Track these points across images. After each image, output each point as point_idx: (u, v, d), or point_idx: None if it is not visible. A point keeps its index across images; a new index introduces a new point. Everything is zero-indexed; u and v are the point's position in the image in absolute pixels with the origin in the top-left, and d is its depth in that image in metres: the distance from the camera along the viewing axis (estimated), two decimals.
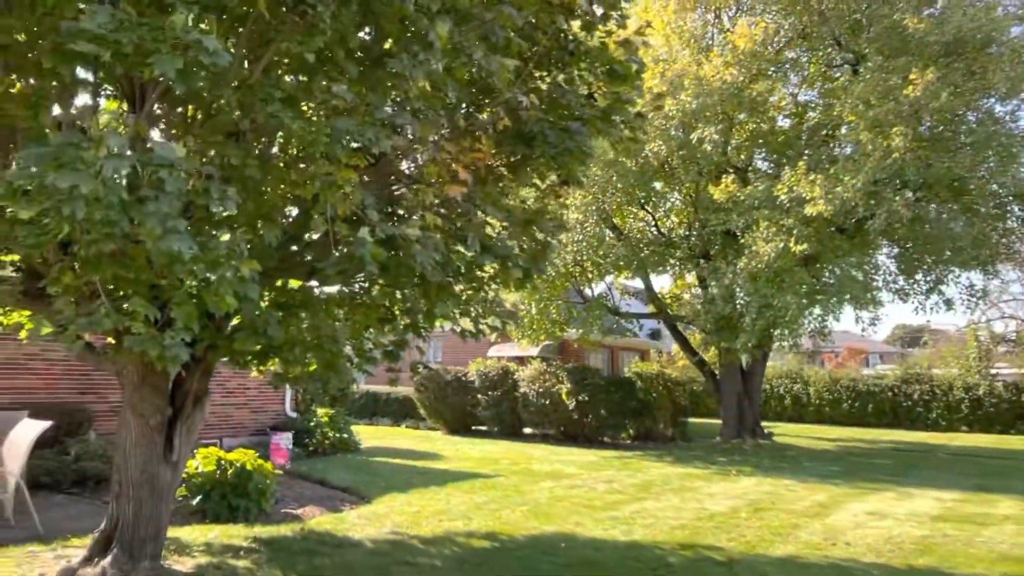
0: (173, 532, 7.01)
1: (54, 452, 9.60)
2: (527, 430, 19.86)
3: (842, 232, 15.84)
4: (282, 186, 4.37)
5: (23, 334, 6.01)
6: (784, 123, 19.44)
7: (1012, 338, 26.59)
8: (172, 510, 6.46)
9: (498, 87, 5.08)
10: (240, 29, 3.81)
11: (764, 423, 21.49)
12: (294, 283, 6.21)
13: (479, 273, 5.58)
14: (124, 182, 3.01)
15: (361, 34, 4.18)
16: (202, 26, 3.12)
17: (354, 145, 4.00)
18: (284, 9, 3.75)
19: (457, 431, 20.36)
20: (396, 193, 5.32)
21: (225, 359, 6.11)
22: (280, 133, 3.78)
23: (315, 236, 6.08)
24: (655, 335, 34.02)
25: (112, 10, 2.98)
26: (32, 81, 3.71)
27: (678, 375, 20.69)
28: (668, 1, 18.55)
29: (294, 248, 5.66)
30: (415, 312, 5.51)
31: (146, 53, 2.95)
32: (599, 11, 6.17)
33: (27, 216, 3.04)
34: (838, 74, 18.36)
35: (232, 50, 3.52)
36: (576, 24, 6.21)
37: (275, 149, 4.57)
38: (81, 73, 4.05)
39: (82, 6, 3.12)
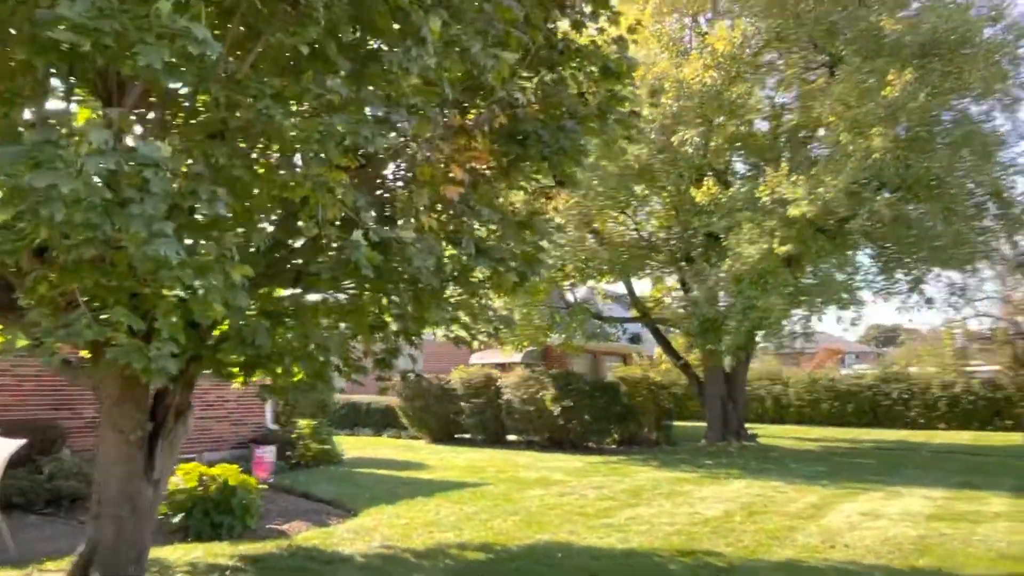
0: (154, 552, 6.71)
1: (26, 471, 9.23)
2: (511, 437, 19.65)
3: (823, 233, 15.89)
4: (270, 188, 4.16)
5: None
6: (762, 126, 19.56)
7: (987, 335, 26.91)
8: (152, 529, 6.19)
9: (492, 85, 4.93)
10: (228, 23, 3.62)
11: (746, 425, 21.50)
12: (280, 290, 6.00)
13: (472, 278, 5.41)
14: (106, 183, 2.80)
15: (352, 30, 3.99)
16: (189, 15, 2.91)
17: (346, 144, 3.81)
18: None
19: (440, 440, 20.10)
20: (387, 195, 5.14)
21: (208, 371, 5.88)
22: (269, 131, 3.58)
23: (300, 242, 5.91)
24: (635, 339, 33.99)
25: None
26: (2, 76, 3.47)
27: (661, 379, 20.66)
28: (645, 5, 18.55)
29: (279, 254, 5.44)
30: (407, 318, 5.32)
31: (129, 43, 2.75)
32: (588, 9, 6.05)
33: (0, 220, 2.82)
34: (814, 77, 18.49)
35: (220, 42, 3.32)
36: (565, 23, 6.08)
37: (261, 149, 4.37)
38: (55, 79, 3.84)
39: None
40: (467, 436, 20.20)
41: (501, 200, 6.37)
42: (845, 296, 15.87)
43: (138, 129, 4.62)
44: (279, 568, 6.59)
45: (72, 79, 3.73)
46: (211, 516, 7.87)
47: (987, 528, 8.47)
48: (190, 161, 3.41)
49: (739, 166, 20.53)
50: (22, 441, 7.43)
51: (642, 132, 14.62)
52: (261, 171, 4.13)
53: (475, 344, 6.12)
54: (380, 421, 22.71)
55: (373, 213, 4.36)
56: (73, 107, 4.24)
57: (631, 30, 6.31)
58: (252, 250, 4.31)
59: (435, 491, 11.22)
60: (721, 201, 15.65)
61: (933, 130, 16.11)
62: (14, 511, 8.55)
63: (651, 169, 17.88)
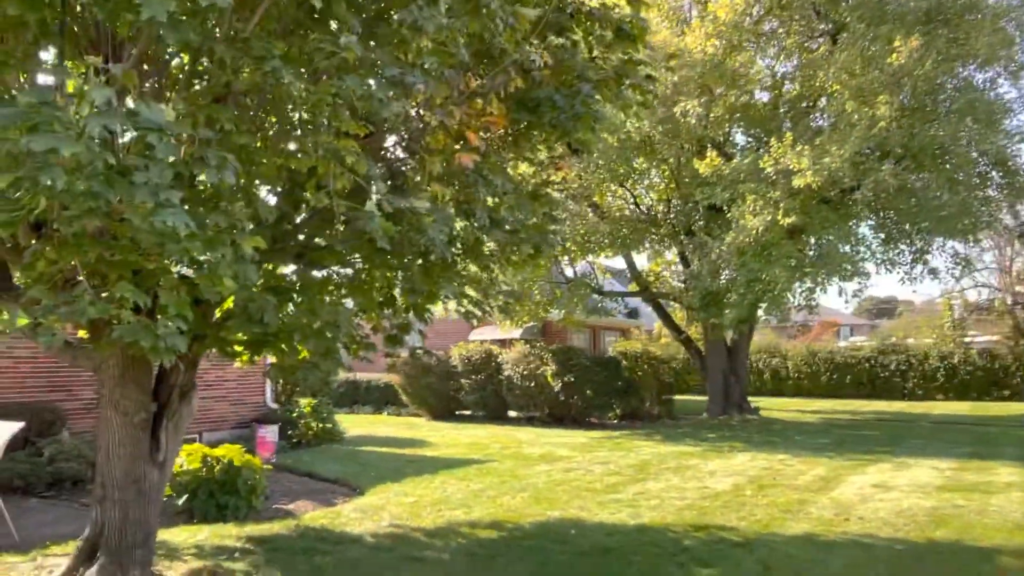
0: (160, 535, 6.57)
1: (26, 454, 9.08)
2: (512, 413, 19.59)
3: (826, 203, 15.71)
4: (277, 157, 3.96)
5: None
6: (762, 97, 19.27)
7: (985, 306, 26.90)
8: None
9: (504, 48, 4.71)
10: None
11: (747, 398, 21.47)
12: (281, 267, 5.81)
13: (486, 249, 5.23)
14: (108, 147, 2.59)
15: None
16: None
17: (359, 108, 3.60)
18: None
19: (441, 417, 20.02)
20: (397, 164, 4.93)
21: (212, 350, 5.70)
22: (278, 95, 3.37)
23: (301, 216, 5.71)
24: (632, 314, 33.89)
25: None
26: None
27: (661, 353, 20.58)
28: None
29: (284, 227, 5.24)
30: (418, 292, 5.14)
31: None
32: None
33: None
34: (816, 45, 18.18)
35: None
36: None
37: (267, 113, 4.15)
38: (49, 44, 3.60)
39: None
40: (468, 413, 20.13)
41: (509, 171, 6.16)
42: (849, 268, 15.72)
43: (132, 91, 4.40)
44: (289, 549, 6.47)
45: (65, 43, 3.50)
46: (216, 497, 7.73)
47: (1000, 499, 8.41)
48: (195, 125, 3.19)
49: (739, 138, 20.30)
50: (20, 424, 7.26)
51: (657, 97, 14.38)
52: (271, 138, 3.91)
53: (487, 318, 5.93)
54: (380, 399, 22.61)
55: (383, 183, 4.16)
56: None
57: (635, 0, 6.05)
58: (257, 224, 4.10)
59: (440, 468, 11.12)
60: (724, 172, 15.43)
61: (937, 98, 15.90)
62: (14, 495, 8.41)
63: (651, 141, 17.65)
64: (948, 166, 15.79)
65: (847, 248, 16.32)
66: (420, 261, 4.84)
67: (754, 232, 14.30)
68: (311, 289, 4.93)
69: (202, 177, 3.92)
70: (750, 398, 21.29)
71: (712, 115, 17.13)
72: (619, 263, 24.68)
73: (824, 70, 15.67)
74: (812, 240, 16.69)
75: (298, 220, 5.63)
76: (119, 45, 3.60)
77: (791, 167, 13.91)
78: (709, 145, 17.10)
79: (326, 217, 4.95)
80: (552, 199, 5.73)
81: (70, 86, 2.76)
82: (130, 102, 2.95)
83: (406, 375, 20.21)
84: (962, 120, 15.46)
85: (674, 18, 17.79)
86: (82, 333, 5.37)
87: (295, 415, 13.87)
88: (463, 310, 5.82)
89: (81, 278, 3.38)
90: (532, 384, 18.30)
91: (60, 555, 6.01)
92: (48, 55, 3.67)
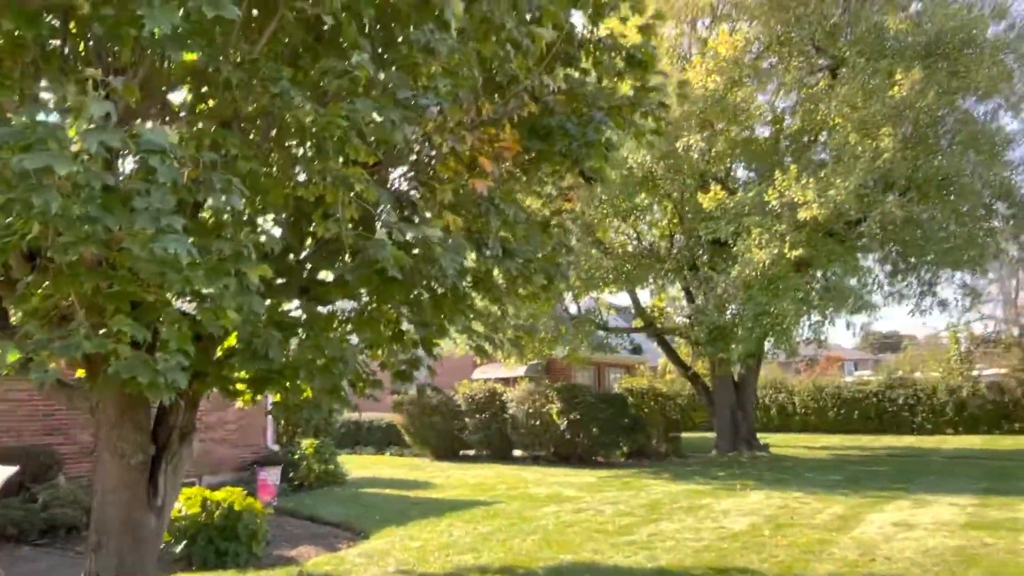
0: None
1: (20, 500, 8.79)
2: (517, 452, 19.22)
3: (832, 236, 15.61)
4: (284, 185, 3.81)
5: None
6: (763, 131, 19.30)
7: (992, 339, 26.64)
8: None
9: (516, 74, 4.60)
10: None
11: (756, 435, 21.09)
12: (285, 303, 5.63)
13: (498, 281, 5.06)
14: (107, 168, 2.44)
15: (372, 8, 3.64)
16: None
17: (370, 133, 3.46)
18: None
19: (445, 457, 19.64)
20: (408, 192, 4.79)
21: (214, 389, 5.49)
22: (286, 118, 3.23)
23: (308, 247, 5.56)
24: (636, 350, 33.63)
25: None
26: None
27: (667, 389, 20.29)
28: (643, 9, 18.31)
29: (288, 260, 5.08)
30: (429, 326, 4.96)
31: (132, 10, 2.40)
32: None
33: None
34: (815, 80, 18.27)
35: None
36: (580, 16, 5.78)
37: (275, 141, 4.01)
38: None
39: None
40: (471, 452, 19.75)
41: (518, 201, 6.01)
42: (856, 301, 15.55)
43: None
44: None
45: (65, 60, 3.37)
46: (216, 543, 7.46)
47: None
48: (198, 148, 3.04)
49: (740, 172, 20.30)
50: (14, 468, 7.02)
51: (670, 124, 14.31)
52: (278, 164, 3.77)
53: (497, 353, 5.74)
54: (382, 439, 22.23)
55: (393, 212, 4.01)
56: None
57: (646, 28, 5.98)
58: (263, 256, 3.94)
59: (446, 510, 10.81)
60: (728, 206, 15.35)
61: (939, 130, 15.93)
62: (7, 543, 8.11)
63: (653, 176, 17.61)
64: (952, 198, 15.73)
65: (854, 281, 16.17)
66: (430, 293, 4.67)
67: (761, 265, 14.16)
68: (317, 324, 4.74)
69: (208, 204, 3.77)
70: (757, 434, 20.94)
71: (714, 150, 17.13)
72: (623, 299, 24.55)
73: (825, 104, 15.71)
74: (819, 273, 16.55)
75: (303, 254, 5.48)
76: (122, 70, 3.48)
77: (796, 200, 13.82)
78: (712, 180, 17.06)
79: (333, 249, 4.79)
80: (565, 228, 5.59)
81: (68, 103, 2.62)
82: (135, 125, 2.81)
83: (409, 414, 19.89)
84: (965, 152, 15.47)
85: (675, 55, 17.91)
86: (80, 372, 5.17)
87: (297, 457, 13.56)
88: (474, 344, 5.63)
89: (77, 311, 3.20)
90: (537, 422, 17.97)
91: None
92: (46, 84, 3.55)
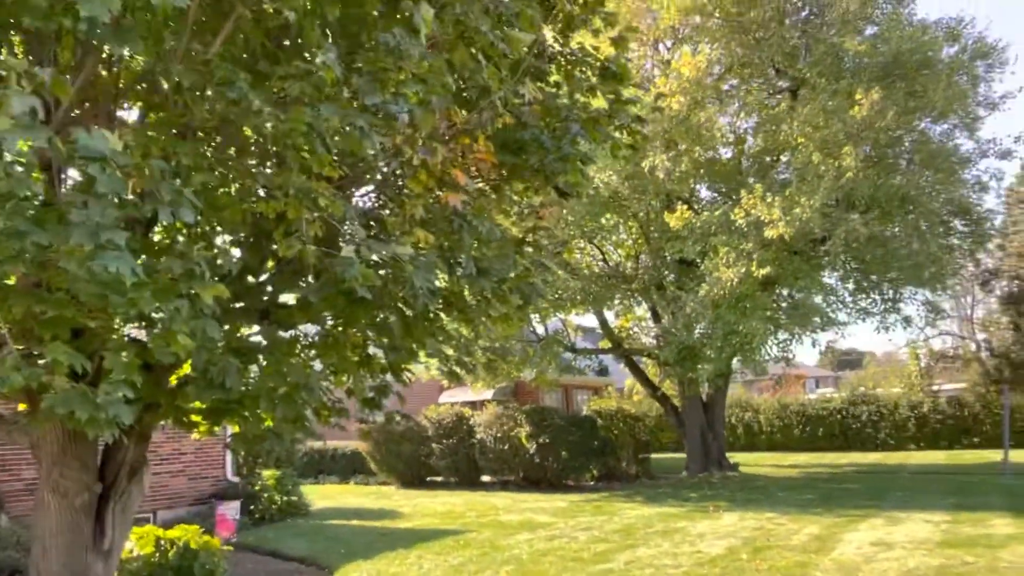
0: None
1: None
2: (485, 478, 18.84)
3: (797, 254, 15.68)
4: (243, 199, 3.53)
5: None
6: (725, 152, 19.45)
7: (951, 355, 27.13)
8: None
9: (488, 85, 4.39)
10: None
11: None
12: (243, 328, 5.30)
13: (470, 301, 4.81)
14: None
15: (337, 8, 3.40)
16: None
17: (336, 142, 3.21)
18: None
19: (411, 484, 19.17)
20: (375, 209, 4.53)
21: (166, 421, 5.13)
22: (244, 126, 2.97)
23: (267, 269, 5.25)
24: (603, 371, 33.53)
25: None
26: None
27: (635, 410, 20.14)
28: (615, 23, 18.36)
29: (250, 281, 4.77)
30: (398, 350, 4.67)
31: None
32: (577, 10, 5.59)
33: None
34: (775, 102, 18.49)
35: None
36: (549, 31, 5.61)
37: (234, 153, 3.72)
38: None
39: None
40: (439, 479, 19.32)
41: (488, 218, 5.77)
42: (821, 319, 15.63)
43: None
44: None
45: None
46: None
47: (1008, 553, 8.03)
48: (144, 159, 2.75)
49: (704, 192, 20.40)
50: None
51: (647, 139, 14.30)
52: (236, 176, 3.49)
53: (470, 377, 5.47)
54: (347, 467, 21.66)
55: (360, 228, 3.74)
56: None
57: (620, 40, 5.84)
58: (220, 278, 3.64)
59: (415, 541, 10.43)
60: (695, 225, 15.34)
61: (898, 149, 16.19)
62: None
63: (619, 197, 17.57)
64: (912, 216, 15.96)
65: (819, 299, 16.27)
66: (399, 315, 4.40)
67: (729, 284, 14.13)
68: (279, 349, 4.43)
69: (159, 222, 3.48)
70: (726, 454, 20.86)
71: (678, 170, 17.17)
72: (589, 320, 24.41)
73: (788, 124, 15.87)
74: (785, 292, 16.62)
75: (263, 276, 5.17)
76: (61, 74, 3.17)
77: (763, 218, 13.86)
78: (677, 200, 17.09)
79: (295, 269, 4.50)
80: (540, 246, 5.38)
81: None
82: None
83: (375, 441, 19.41)
84: (923, 171, 15.73)
85: (638, 76, 17.96)
86: (22, 406, 4.77)
87: (258, 488, 13.05)
88: (446, 369, 5.36)
89: (7, 339, 2.87)
90: (506, 447, 17.65)
91: None
92: None
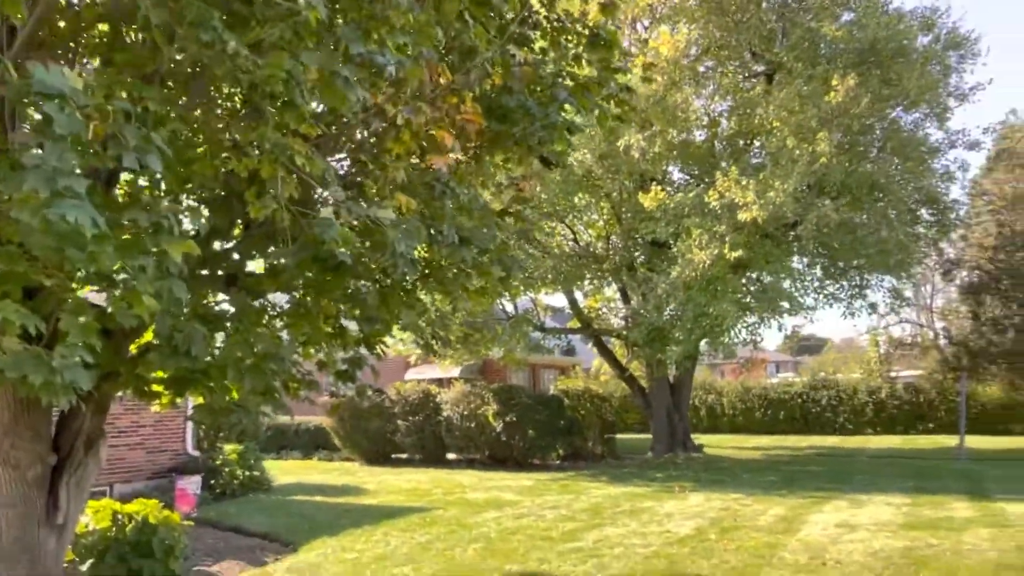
0: None
1: None
2: (451, 456, 18.74)
3: (768, 238, 15.74)
4: (214, 153, 3.29)
5: None
6: (698, 134, 19.41)
7: (910, 342, 27.71)
8: None
9: (475, 45, 4.19)
10: None
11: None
12: (208, 297, 5.05)
13: (453, 271, 4.62)
14: None
15: None
16: None
17: (318, 93, 2.99)
18: None
19: (376, 461, 18.98)
20: (353, 171, 4.31)
21: (126, 391, 4.88)
22: (218, 72, 2.73)
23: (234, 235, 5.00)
24: (570, 351, 33.61)
25: None
26: None
27: (602, 390, 20.19)
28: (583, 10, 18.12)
29: (218, 245, 4.53)
30: (375, 322, 4.48)
31: None
32: None
33: None
34: (749, 86, 18.46)
35: None
36: None
37: (206, 105, 3.46)
38: None
39: None
40: (404, 456, 19.17)
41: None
42: (790, 304, 15.74)
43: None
44: None
45: None
46: (128, 561, 6.75)
47: (970, 536, 8.16)
48: (108, 100, 2.50)
49: (676, 175, 20.37)
50: None
51: (634, 109, 14.16)
52: (207, 126, 3.24)
53: (448, 354, 5.31)
54: (310, 443, 21.41)
55: (339, 189, 3.53)
56: None
57: (609, 6, 5.65)
58: (196, 235, 3.39)
59: (380, 518, 10.28)
60: (669, 207, 15.28)
61: (869, 137, 16.28)
62: None
63: (592, 176, 17.45)
64: (880, 204, 16.10)
65: (787, 284, 16.38)
66: (378, 285, 4.20)
67: (701, 266, 14.12)
68: (247, 318, 4.21)
69: (117, 177, 3.24)
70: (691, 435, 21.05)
71: (652, 151, 17.08)
72: (557, 300, 24.36)
73: (763, 108, 15.84)
74: (755, 275, 16.69)
75: (228, 243, 4.92)
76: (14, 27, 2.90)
77: (736, 201, 13.84)
78: (652, 180, 17.01)
79: (267, 233, 4.27)
80: (523, 218, 5.21)
81: None
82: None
83: (339, 417, 19.15)
84: (893, 159, 15.86)
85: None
86: None
87: (219, 463, 12.75)
88: (422, 342, 5.18)
89: None
90: (473, 425, 17.55)
91: None
92: None
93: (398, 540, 8.82)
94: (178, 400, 4.85)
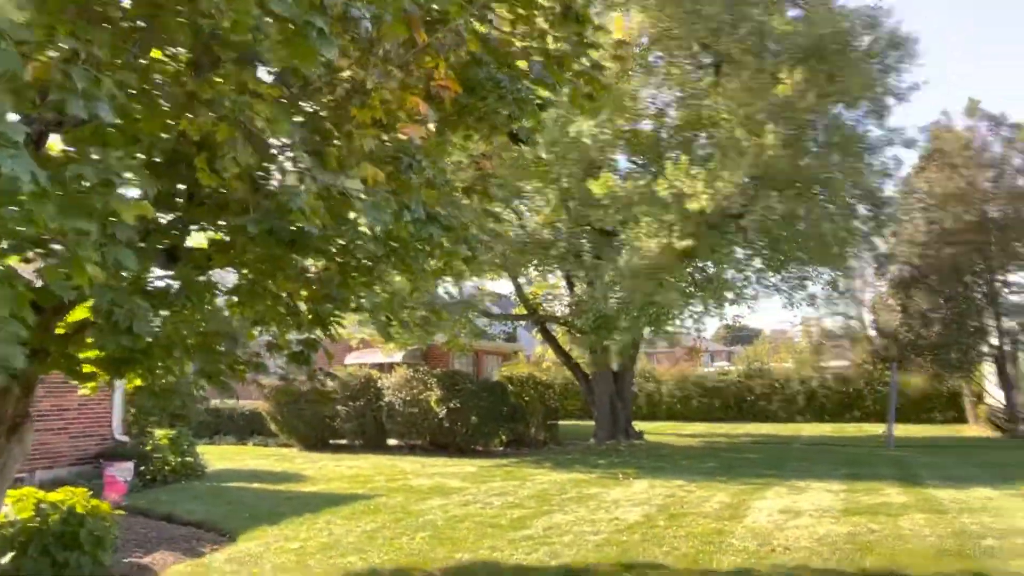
0: None
1: None
2: (392, 442, 18.44)
3: (714, 228, 15.90)
4: (165, 108, 2.98)
5: None
6: (645, 124, 19.46)
7: (841, 334, 28.65)
8: None
9: (448, 11, 3.95)
10: None
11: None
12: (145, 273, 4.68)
13: (417, 249, 4.38)
14: None
15: None
16: None
17: (283, 48, 2.72)
18: None
19: (314, 447, 18.53)
20: (317, 138, 4.02)
21: (56, 371, 4.51)
22: (177, 15, 2.43)
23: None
24: (511, 338, 33.57)
25: None
26: None
27: (545, 377, 20.18)
28: None
29: (162, 215, 4.19)
30: (335, 301, 4.22)
31: None
32: None
33: None
34: (697, 76, 18.58)
35: None
36: None
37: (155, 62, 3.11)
38: None
39: None
40: (343, 442, 18.76)
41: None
42: (734, 293, 15.97)
43: None
44: None
45: None
46: (53, 554, 6.30)
47: (908, 521, 8.38)
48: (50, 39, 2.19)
49: (623, 163, 20.42)
50: None
51: (605, 89, 13.98)
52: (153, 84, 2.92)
53: (405, 336, 5.08)
54: (245, 428, 20.75)
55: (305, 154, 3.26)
56: None
57: None
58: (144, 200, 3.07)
59: (322, 506, 9.97)
60: (618, 194, 15.27)
61: (813, 131, 16.59)
62: None
63: (541, 162, 17.30)
64: (822, 198, 16.45)
65: (732, 273, 16.61)
66: (341, 261, 3.94)
67: (648, 255, 14.16)
68: (197, 293, 3.90)
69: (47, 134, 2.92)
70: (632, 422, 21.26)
71: (602, 138, 17.02)
72: (502, 286, 24.24)
73: (711, 99, 15.96)
74: (700, 265, 16.87)
75: (170, 214, 4.56)
76: None
77: (686, 190, 13.91)
78: (600, 168, 16.97)
79: (220, 203, 3.96)
80: (491, 195, 5.01)
81: None
82: None
83: (276, 401, 18.61)
84: (835, 153, 16.19)
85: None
86: None
87: (150, 448, 12.17)
88: (380, 324, 4.93)
89: None
90: (415, 410, 17.30)
91: None
92: None
93: (342, 529, 8.55)
94: (120, 381, 4.50)
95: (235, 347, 3.81)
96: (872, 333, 25.38)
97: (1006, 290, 21.73)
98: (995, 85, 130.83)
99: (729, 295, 16.08)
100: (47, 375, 4.64)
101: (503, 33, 4.38)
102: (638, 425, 22.01)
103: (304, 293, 4.31)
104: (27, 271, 3.61)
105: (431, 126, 4.67)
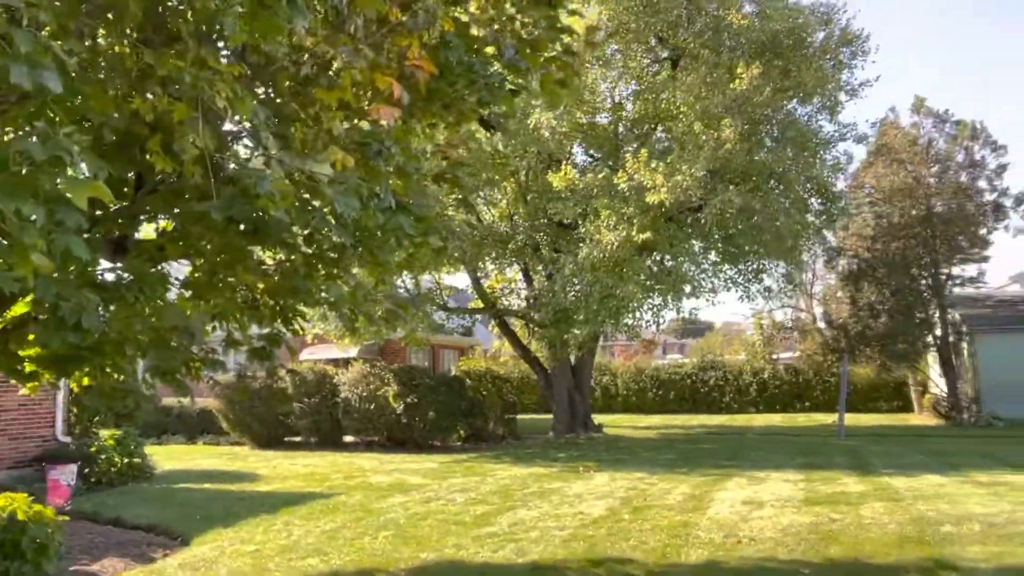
0: None
1: None
2: (348, 438, 18.12)
3: (671, 221, 15.99)
4: (116, 86, 2.75)
5: None
6: (602, 119, 19.46)
7: (791, 326, 29.25)
8: None
9: None
10: None
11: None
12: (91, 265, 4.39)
13: (386, 239, 4.19)
14: None
15: None
16: None
17: (249, 20, 2.51)
18: None
19: (267, 445, 18.10)
20: (277, 120, 3.79)
21: None
22: None
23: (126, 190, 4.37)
24: (468, 332, 33.39)
25: None
26: None
27: (503, 371, 20.10)
28: None
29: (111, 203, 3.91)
30: (300, 294, 4.01)
31: None
32: None
33: None
34: (655, 70, 18.65)
35: None
36: None
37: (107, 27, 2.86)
38: None
39: None
40: (298, 439, 18.38)
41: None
42: (692, 286, 16.09)
43: None
44: None
45: None
46: None
47: (868, 510, 8.50)
48: None
49: (580, 156, 20.39)
50: None
51: (578, 75, 13.87)
52: (104, 57, 2.68)
53: (377, 330, 4.88)
54: (194, 426, 20.18)
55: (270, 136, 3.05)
56: None
57: None
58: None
59: (279, 506, 9.69)
60: (577, 187, 15.21)
61: (768, 126, 16.80)
62: None
63: (498, 154, 17.14)
64: (777, 192, 16.68)
65: (690, 266, 16.72)
66: (309, 250, 3.73)
67: (609, 248, 14.14)
68: (150, 286, 3.65)
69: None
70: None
71: (560, 130, 16.96)
72: (459, 280, 24.03)
73: (669, 92, 16.02)
74: (658, 257, 16.95)
75: (118, 202, 4.28)
76: None
77: (645, 183, 13.92)
78: (561, 160, 16.90)
79: (175, 189, 3.72)
80: (461, 184, 4.84)
81: None
82: None
83: (227, 399, 18.10)
84: (789, 148, 16.43)
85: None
86: None
87: (94, 449, 11.68)
88: (346, 318, 4.73)
89: None
90: (372, 406, 17.01)
91: None
92: None
93: (301, 529, 8.29)
94: (66, 380, 4.21)
95: (191, 343, 3.57)
96: (822, 325, 25.92)
97: (950, 282, 22.40)
98: (945, 82, 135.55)
99: (687, 288, 16.19)
100: None
101: (474, 15, 4.21)
102: (596, 418, 22.09)
103: (262, 286, 4.08)
104: None
105: (400, 110, 4.50)
